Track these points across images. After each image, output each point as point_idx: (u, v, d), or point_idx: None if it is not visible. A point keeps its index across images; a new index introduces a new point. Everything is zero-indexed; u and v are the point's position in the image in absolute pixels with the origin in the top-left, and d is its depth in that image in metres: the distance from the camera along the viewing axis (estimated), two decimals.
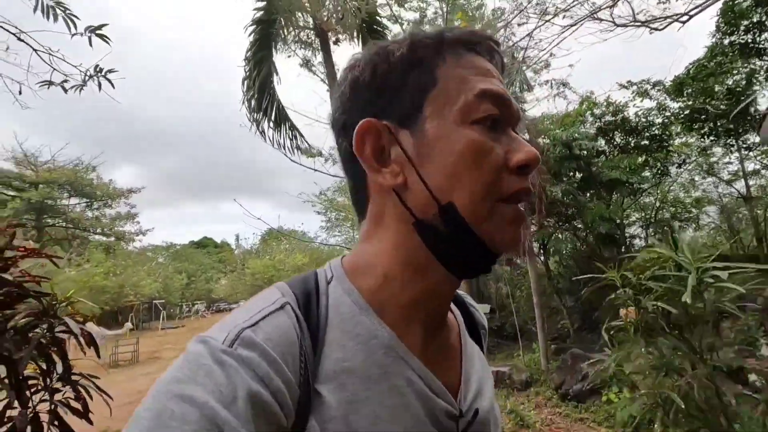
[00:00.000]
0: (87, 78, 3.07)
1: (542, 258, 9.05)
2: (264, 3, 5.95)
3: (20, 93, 2.69)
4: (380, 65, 0.49)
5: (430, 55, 0.48)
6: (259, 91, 6.09)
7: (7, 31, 2.56)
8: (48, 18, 2.85)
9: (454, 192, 0.45)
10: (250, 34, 6.07)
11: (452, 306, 0.62)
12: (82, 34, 2.94)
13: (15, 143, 21.15)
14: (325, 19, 6.01)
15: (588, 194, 8.30)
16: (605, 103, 8.20)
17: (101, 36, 2.98)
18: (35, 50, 2.72)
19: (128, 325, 12.62)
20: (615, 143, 8.54)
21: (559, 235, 9.29)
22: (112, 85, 3.17)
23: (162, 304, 24.97)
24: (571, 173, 8.09)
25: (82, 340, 1.71)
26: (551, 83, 11.06)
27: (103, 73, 3.09)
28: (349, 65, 0.52)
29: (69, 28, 2.85)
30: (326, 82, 6.67)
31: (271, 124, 6.29)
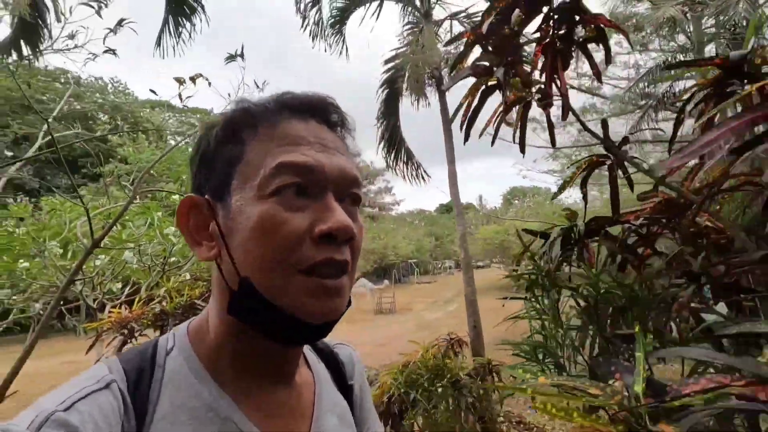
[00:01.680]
0: None
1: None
2: (391, 64, 7.65)
3: None
4: (203, 141, 0.50)
5: (243, 128, 0.49)
6: (389, 141, 8.24)
7: None
8: None
9: (248, 266, 0.44)
10: (381, 93, 7.92)
11: (316, 358, 0.64)
12: None
13: None
14: (442, 67, 7.09)
15: None
16: None
17: None
18: None
19: (386, 281, 16.19)
20: None
21: None
22: None
23: (415, 262, 29.76)
24: None
25: None
26: None
27: None
28: None
29: None
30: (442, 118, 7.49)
31: (400, 163, 8.55)
